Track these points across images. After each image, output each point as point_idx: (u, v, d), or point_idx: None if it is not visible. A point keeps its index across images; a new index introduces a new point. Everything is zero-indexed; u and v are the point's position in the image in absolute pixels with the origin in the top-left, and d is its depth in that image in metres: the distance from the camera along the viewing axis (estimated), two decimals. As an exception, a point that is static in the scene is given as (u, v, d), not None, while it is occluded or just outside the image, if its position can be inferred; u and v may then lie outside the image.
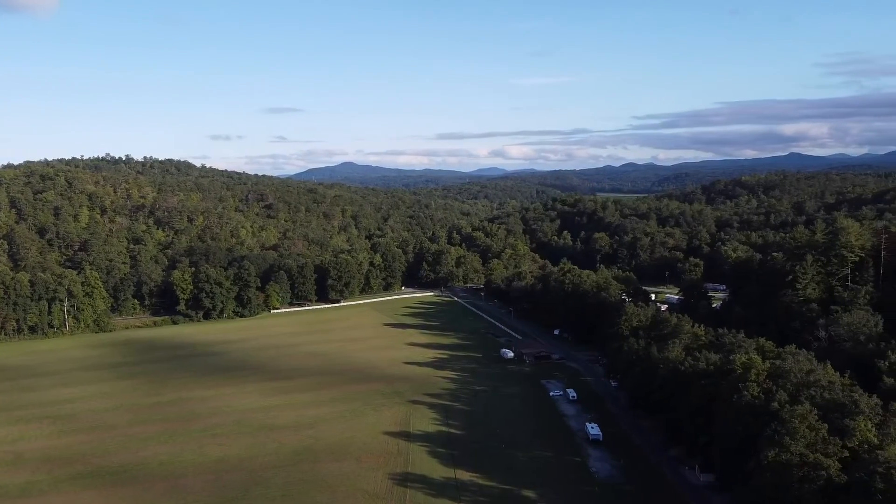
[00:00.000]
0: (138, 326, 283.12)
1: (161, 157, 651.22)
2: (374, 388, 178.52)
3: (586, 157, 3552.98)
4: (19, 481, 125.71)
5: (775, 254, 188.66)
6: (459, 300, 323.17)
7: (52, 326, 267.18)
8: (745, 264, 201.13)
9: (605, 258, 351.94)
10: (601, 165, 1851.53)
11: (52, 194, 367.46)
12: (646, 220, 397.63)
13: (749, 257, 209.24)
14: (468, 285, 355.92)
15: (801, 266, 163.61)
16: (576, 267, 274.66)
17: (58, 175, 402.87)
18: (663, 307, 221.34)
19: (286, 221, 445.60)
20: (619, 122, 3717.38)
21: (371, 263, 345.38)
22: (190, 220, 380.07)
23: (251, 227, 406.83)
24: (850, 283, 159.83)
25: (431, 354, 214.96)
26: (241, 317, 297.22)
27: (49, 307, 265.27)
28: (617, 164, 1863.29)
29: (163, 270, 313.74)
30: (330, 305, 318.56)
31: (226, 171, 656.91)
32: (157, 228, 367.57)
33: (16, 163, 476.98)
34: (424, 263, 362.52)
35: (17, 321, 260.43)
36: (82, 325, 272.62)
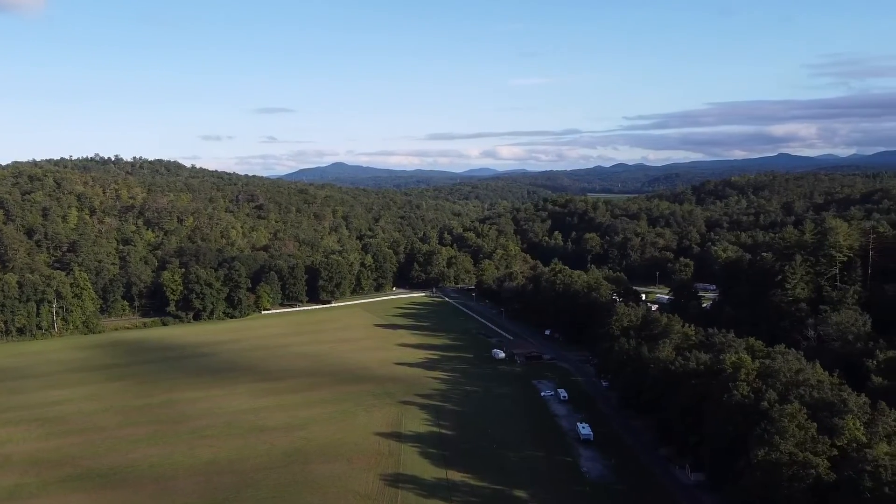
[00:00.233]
0: (128, 328, 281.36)
1: (151, 158, 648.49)
2: (365, 388, 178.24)
3: (577, 158, 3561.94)
4: (7, 484, 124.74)
5: (765, 254, 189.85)
6: (450, 301, 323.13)
7: (40, 328, 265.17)
8: (735, 264, 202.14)
9: (595, 258, 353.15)
10: (592, 166, 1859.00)
11: (40, 195, 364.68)
12: (636, 221, 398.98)
13: (739, 257, 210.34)
14: (459, 286, 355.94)
15: (790, 266, 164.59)
16: (567, 267, 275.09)
17: (46, 175, 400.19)
18: (654, 307, 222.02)
19: (277, 222, 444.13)
20: (610, 123, 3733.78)
21: (362, 264, 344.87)
22: (180, 221, 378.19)
23: (241, 227, 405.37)
24: (838, 283, 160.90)
25: (422, 355, 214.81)
26: (231, 318, 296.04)
27: (37, 309, 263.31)
28: (607, 164, 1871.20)
29: (152, 271, 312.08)
30: (321, 306, 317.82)
31: (216, 171, 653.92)
32: (147, 229, 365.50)
33: (3, 163, 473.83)
34: (415, 264, 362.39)
35: (6, 323, 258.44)
36: (71, 327, 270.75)
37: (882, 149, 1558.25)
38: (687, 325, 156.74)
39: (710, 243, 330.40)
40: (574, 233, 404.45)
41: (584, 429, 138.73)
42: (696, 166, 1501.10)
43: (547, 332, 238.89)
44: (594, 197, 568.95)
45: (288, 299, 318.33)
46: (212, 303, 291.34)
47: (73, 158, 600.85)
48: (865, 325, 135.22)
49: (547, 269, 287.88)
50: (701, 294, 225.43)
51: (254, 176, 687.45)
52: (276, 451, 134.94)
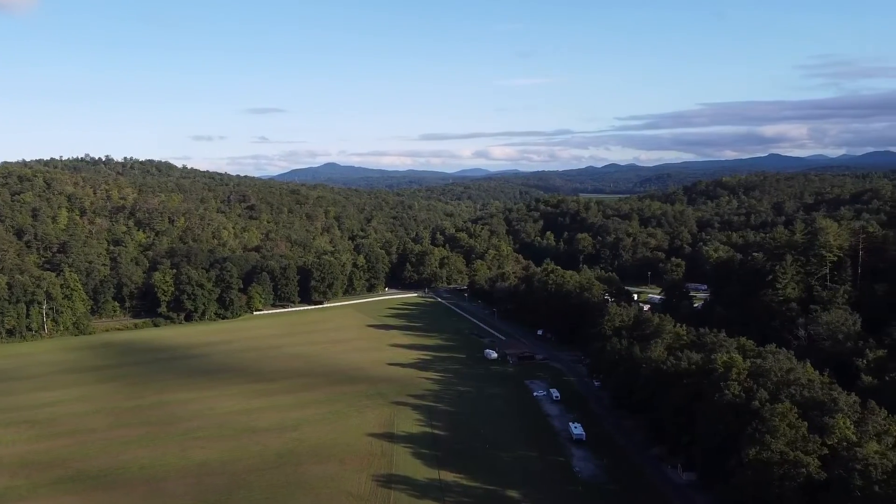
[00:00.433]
0: (119, 329, 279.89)
1: (142, 158, 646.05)
2: (357, 389, 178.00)
3: (569, 158, 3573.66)
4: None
5: (755, 254, 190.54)
6: (443, 301, 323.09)
7: (30, 329, 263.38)
8: (726, 264, 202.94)
9: (587, 258, 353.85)
10: (584, 166, 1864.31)
11: (30, 195, 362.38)
12: (628, 221, 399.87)
13: (730, 257, 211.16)
14: (452, 286, 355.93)
15: (780, 266, 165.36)
16: (559, 267, 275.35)
17: (36, 176, 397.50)
18: (646, 307, 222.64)
19: (269, 223, 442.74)
20: (602, 124, 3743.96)
21: (354, 265, 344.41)
22: (171, 222, 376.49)
23: (233, 228, 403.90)
24: (828, 283, 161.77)
25: (415, 355, 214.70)
26: (223, 319, 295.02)
27: (27, 310, 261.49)
28: (599, 164, 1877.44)
29: (144, 272, 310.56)
30: (313, 307, 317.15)
31: (207, 171, 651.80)
32: (138, 230, 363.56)
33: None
34: (408, 264, 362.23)
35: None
36: (61, 328, 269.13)
37: (872, 149, 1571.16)
38: (678, 324, 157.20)
39: (701, 243, 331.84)
40: (566, 233, 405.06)
41: (577, 429, 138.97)
42: (687, 167, 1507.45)
43: (539, 333, 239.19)
44: (586, 197, 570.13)
45: (280, 300, 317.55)
46: (203, 304, 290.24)
47: (63, 159, 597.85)
48: (855, 324, 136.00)
49: (539, 269, 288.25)
50: (692, 294, 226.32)
51: (245, 176, 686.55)
52: (268, 453, 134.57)
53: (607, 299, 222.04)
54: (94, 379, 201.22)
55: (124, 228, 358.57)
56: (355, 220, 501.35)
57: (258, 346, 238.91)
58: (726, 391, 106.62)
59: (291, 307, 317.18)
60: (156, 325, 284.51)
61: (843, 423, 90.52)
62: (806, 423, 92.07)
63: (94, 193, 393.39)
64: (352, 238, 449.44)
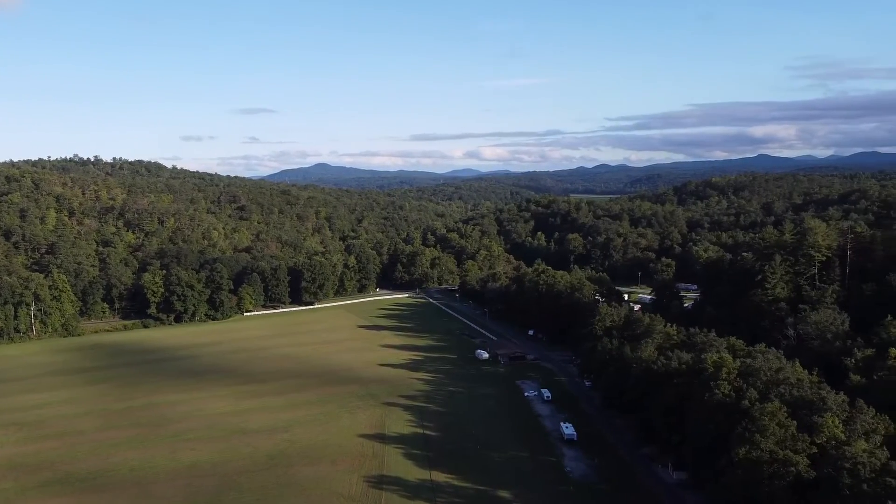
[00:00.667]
0: (108, 330, 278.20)
1: (131, 158, 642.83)
2: (348, 390, 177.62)
3: (560, 159, 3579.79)
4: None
5: (745, 254, 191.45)
6: (434, 301, 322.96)
7: (18, 331, 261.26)
8: (716, 264, 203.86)
9: (578, 259, 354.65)
10: (574, 167, 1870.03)
11: (17, 196, 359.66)
12: (618, 221, 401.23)
13: (720, 257, 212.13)
14: (443, 286, 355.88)
15: (770, 266, 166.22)
16: (550, 268, 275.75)
17: (24, 176, 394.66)
18: (636, 307, 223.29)
19: (259, 223, 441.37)
20: (592, 124, 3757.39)
21: (345, 265, 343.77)
22: (161, 222, 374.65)
23: (223, 228, 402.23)
24: (817, 283, 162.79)
25: (406, 356, 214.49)
26: (213, 320, 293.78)
27: (15, 311, 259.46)
28: (590, 165, 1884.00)
29: (133, 273, 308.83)
30: (304, 308, 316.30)
31: (197, 172, 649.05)
32: (127, 230, 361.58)
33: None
34: (399, 265, 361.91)
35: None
36: (50, 330, 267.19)
37: (859, 150, 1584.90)
38: (669, 324, 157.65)
39: (691, 243, 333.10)
40: (557, 233, 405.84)
41: (568, 429, 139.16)
42: (677, 167, 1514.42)
43: (530, 333, 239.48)
44: (577, 197, 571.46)
45: (270, 301, 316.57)
46: (193, 305, 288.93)
47: (51, 159, 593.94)
48: (844, 324, 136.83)
49: (530, 269, 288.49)
50: (683, 294, 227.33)
51: (236, 177, 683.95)
52: (258, 454, 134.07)
53: (598, 299, 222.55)
54: (83, 381, 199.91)
55: (113, 229, 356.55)
56: (346, 221, 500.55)
57: (248, 347, 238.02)
58: (716, 391, 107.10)
59: (282, 308, 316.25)
60: (145, 327, 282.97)
61: (832, 421, 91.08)
62: (795, 422, 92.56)
63: (83, 194, 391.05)
64: (343, 238, 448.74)
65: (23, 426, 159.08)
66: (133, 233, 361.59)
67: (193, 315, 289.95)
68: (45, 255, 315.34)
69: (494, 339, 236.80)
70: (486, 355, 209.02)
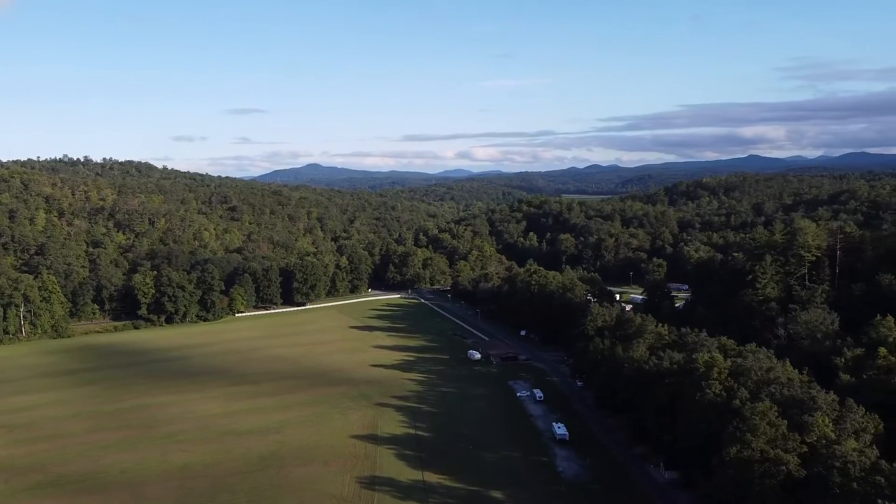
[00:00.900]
0: (98, 332, 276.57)
1: (121, 159, 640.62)
2: (340, 391, 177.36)
3: (551, 159, 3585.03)
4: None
5: (736, 254, 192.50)
6: (426, 302, 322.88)
7: (7, 333, 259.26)
8: (707, 264, 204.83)
9: (570, 259, 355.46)
10: (566, 167, 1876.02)
11: (7, 197, 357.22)
12: (610, 222, 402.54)
13: (710, 257, 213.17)
14: (435, 287, 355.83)
15: (760, 266, 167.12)
16: (542, 268, 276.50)
17: (13, 177, 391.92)
18: (628, 307, 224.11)
19: (250, 224, 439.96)
20: (584, 125, 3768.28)
21: (337, 266, 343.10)
22: (151, 223, 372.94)
23: (215, 229, 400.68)
24: (807, 283, 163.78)
25: (398, 357, 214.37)
26: (204, 321, 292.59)
27: (4, 313, 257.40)
28: (582, 165, 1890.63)
29: (123, 274, 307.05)
30: (296, 308, 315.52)
31: (188, 172, 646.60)
32: (118, 231, 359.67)
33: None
34: (391, 265, 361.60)
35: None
36: (39, 331, 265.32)
37: (849, 150, 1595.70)
38: (660, 324, 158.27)
39: (682, 244, 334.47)
40: (549, 234, 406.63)
41: (560, 429, 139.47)
42: (668, 167, 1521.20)
43: (522, 333, 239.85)
44: (569, 198, 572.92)
45: (262, 302, 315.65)
46: (184, 306, 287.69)
47: (40, 159, 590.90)
48: (833, 323, 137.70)
49: (522, 269, 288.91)
50: (674, 294, 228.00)
51: (227, 177, 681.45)
52: (250, 455, 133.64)
53: (590, 300, 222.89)
54: (73, 382, 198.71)
55: (104, 230, 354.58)
56: (338, 222, 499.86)
57: (240, 348, 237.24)
58: (707, 390, 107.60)
59: (274, 309, 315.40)
60: (136, 328, 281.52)
61: (822, 421, 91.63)
62: (786, 421, 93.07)
63: (73, 195, 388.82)
64: (334, 239, 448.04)
65: (13, 428, 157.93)
66: (123, 233, 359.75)
67: (184, 316, 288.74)
68: (35, 256, 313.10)
69: (487, 339, 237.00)
70: (478, 356, 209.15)
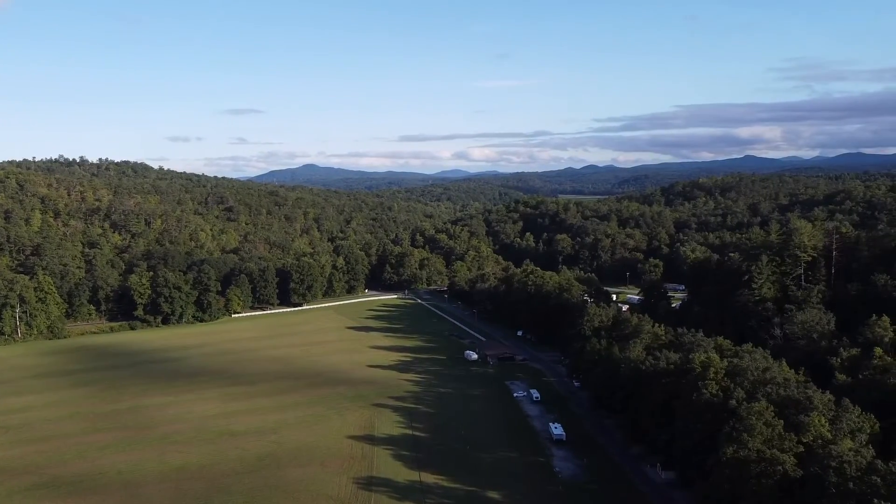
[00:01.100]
0: (94, 332, 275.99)
1: (117, 159, 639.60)
2: (337, 391, 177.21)
3: (548, 160, 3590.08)
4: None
5: (732, 254, 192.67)
6: (423, 302, 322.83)
7: (2, 333, 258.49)
8: (703, 265, 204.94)
9: (567, 259, 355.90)
10: (563, 167, 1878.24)
11: (2, 197, 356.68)
12: (606, 222, 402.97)
13: (707, 258, 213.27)
14: (432, 287, 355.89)
15: (756, 266, 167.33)
16: (538, 268, 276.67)
17: (8, 177, 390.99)
18: (624, 307, 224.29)
19: (247, 224, 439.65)
20: (580, 125, 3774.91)
21: (334, 266, 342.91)
22: (147, 224, 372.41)
23: (211, 230, 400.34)
24: (803, 283, 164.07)
25: (395, 357, 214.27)
26: (201, 321, 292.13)
27: (0, 314, 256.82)
28: (578, 165, 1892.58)
29: (119, 275, 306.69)
30: (292, 309, 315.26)
31: (184, 173, 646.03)
32: (114, 232, 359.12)
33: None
34: (388, 266, 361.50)
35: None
36: (35, 332, 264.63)
37: (844, 151, 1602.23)
38: (657, 324, 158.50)
39: (678, 244, 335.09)
40: (545, 234, 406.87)
41: (557, 429, 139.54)
42: (664, 168, 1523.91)
43: (519, 333, 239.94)
44: (565, 198, 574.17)
45: (259, 302, 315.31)
46: (181, 306, 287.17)
47: (36, 160, 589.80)
48: (829, 323, 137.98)
49: (519, 270, 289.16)
50: (670, 294, 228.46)
51: (223, 178, 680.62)
52: (247, 456, 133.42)
53: (586, 300, 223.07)
54: (69, 383, 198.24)
55: (99, 230, 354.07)
56: (335, 222, 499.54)
57: (237, 348, 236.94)
58: (704, 390, 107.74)
59: (270, 309, 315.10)
60: (132, 329, 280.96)
61: (818, 421, 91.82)
62: (782, 421, 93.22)
63: (69, 195, 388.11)
64: (331, 240, 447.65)
65: (8, 429, 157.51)
66: (119, 234, 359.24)
67: (181, 317, 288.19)
68: (31, 257, 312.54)
69: (483, 339, 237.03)
70: (475, 356, 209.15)
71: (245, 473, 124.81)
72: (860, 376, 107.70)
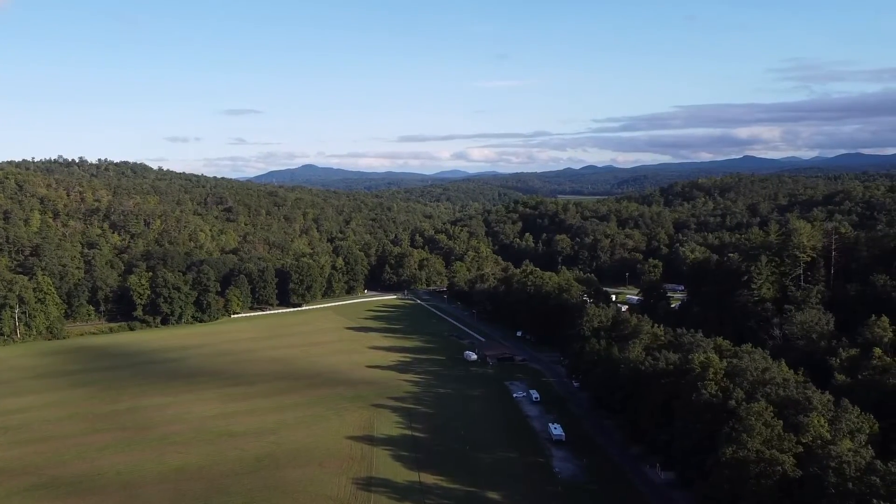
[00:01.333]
0: (93, 333, 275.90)
1: (116, 160, 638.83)
2: (336, 392, 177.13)
3: (547, 160, 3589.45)
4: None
5: (731, 254, 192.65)
6: (422, 303, 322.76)
7: (2, 334, 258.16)
8: (703, 265, 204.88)
9: (566, 260, 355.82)
10: (562, 168, 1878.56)
11: (1, 197, 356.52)
12: (606, 222, 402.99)
13: (706, 258, 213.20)
14: (431, 288, 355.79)
15: (755, 266, 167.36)
16: (538, 269, 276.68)
17: (7, 178, 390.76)
18: (624, 308, 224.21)
19: (246, 225, 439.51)
20: (579, 126, 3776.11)
21: (333, 267, 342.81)
22: (147, 224, 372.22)
23: (210, 230, 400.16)
24: (802, 283, 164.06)
25: (394, 358, 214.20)
26: (200, 322, 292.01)
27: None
28: (577, 166, 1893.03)
29: (119, 275, 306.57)
30: (291, 310, 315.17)
31: (184, 173, 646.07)
32: (113, 232, 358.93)
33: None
34: (387, 266, 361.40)
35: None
36: (34, 333, 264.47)
37: (843, 151, 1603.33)
38: (656, 325, 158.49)
39: (678, 244, 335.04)
40: (545, 234, 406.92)
41: (556, 429, 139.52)
42: (663, 168, 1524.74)
43: (518, 334, 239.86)
44: (564, 199, 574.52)
45: (258, 303, 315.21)
46: (180, 307, 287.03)
47: (35, 160, 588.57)
48: (829, 324, 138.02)
49: (518, 270, 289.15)
50: (670, 294, 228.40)
51: (222, 178, 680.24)
52: (246, 457, 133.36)
53: (586, 300, 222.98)
54: (68, 384, 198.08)
55: (99, 231, 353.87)
56: (334, 222, 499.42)
57: (236, 349, 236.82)
58: (703, 391, 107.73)
59: (270, 310, 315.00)
60: (131, 329, 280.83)
61: (818, 421, 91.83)
62: (781, 421, 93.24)
63: (68, 195, 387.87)
64: (330, 240, 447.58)
65: (7, 430, 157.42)
66: (119, 234, 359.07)
67: (180, 317, 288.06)
68: (30, 258, 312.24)
69: (483, 340, 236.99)
70: (474, 356, 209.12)
71: (244, 474, 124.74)
72: (859, 377, 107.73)
